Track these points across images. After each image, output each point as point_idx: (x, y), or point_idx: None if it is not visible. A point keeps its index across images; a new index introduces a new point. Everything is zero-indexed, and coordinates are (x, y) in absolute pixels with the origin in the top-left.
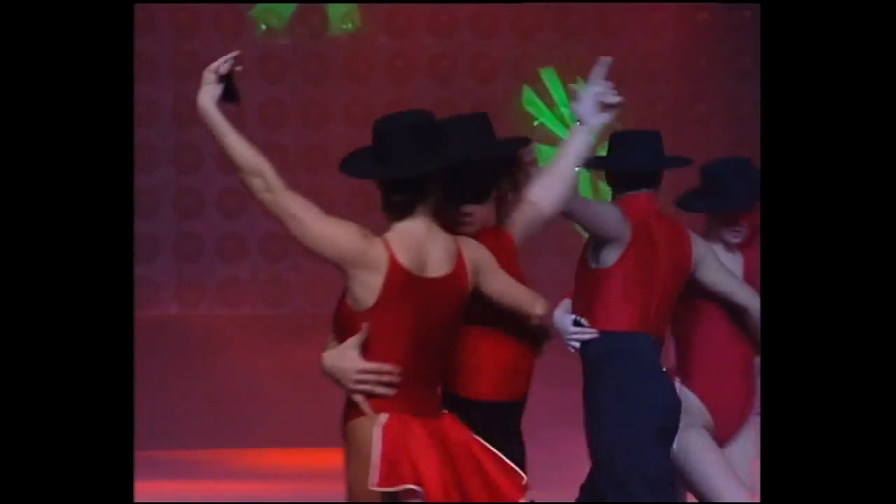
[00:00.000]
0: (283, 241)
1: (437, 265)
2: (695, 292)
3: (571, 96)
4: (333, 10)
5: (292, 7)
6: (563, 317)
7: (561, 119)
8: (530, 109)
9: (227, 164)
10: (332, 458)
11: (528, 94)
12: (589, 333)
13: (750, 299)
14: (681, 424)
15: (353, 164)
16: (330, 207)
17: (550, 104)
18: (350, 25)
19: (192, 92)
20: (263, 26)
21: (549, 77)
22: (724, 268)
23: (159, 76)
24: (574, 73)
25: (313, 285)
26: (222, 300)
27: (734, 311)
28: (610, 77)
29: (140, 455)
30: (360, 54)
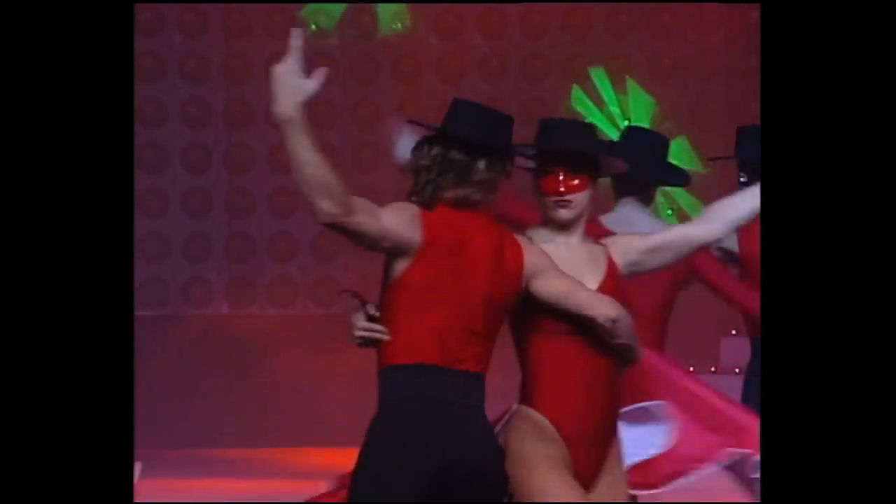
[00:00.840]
0: (334, 241)
1: None
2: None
3: None
4: (383, 10)
5: (342, 7)
6: None
7: (610, 118)
8: (580, 109)
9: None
10: None
11: (577, 93)
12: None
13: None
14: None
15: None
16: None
17: (600, 103)
18: (400, 25)
19: (243, 92)
20: (313, 26)
21: (598, 76)
22: None
23: (211, 77)
24: (624, 72)
25: (364, 285)
26: (273, 300)
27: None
28: (661, 76)
29: (192, 453)
30: (410, 54)
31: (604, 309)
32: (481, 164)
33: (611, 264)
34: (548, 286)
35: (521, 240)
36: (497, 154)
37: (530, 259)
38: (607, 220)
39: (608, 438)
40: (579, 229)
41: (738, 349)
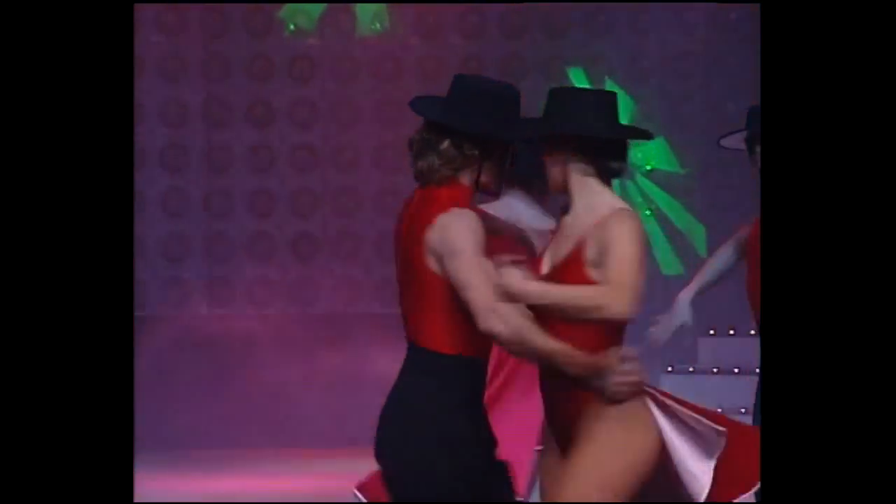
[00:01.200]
0: (313, 242)
1: None
2: None
3: None
4: (363, 10)
5: (321, 7)
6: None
7: None
8: None
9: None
10: (360, 457)
11: None
12: None
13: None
14: None
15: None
16: (358, 208)
17: None
18: (379, 26)
19: (223, 92)
20: (292, 27)
21: (577, 77)
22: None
23: (190, 77)
24: (603, 72)
25: (343, 286)
26: (252, 300)
27: None
28: (640, 76)
29: (168, 454)
30: (390, 55)
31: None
32: (445, 143)
33: (577, 248)
34: (444, 268)
35: (446, 216)
36: (463, 133)
37: (431, 237)
38: (489, 207)
39: (569, 437)
40: (574, 201)
41: (715, 349)
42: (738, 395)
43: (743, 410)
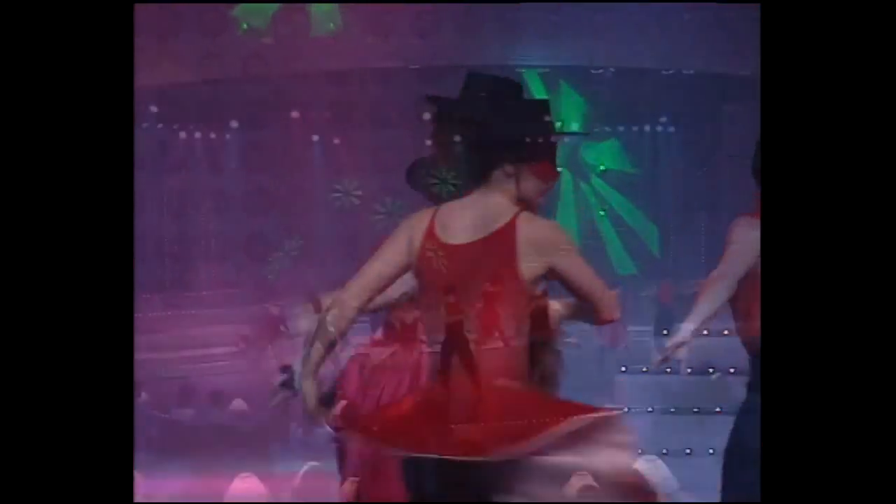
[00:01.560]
0: (268, 242)
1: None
2: None
3: None
4: (317, 10)
5: (275, 7)
6: None
7: None
8: None
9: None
10: (317, 457)
11: None
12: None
13: None
14: None
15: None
16: (312, 207)
17: None
18: (332, 25)
19: (175, 92)
20: (246, 26)
21: (531, 78)
22: None
23: (143, 77)
24: (557, 74)
25: (298, 286)
26: (206, 300)
27: None
28: (596, 76)
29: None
30: (344, 54)
31: None
32: None
33: None
34: None
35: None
36: None
37: None
38: None
39: None
40: None
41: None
42: (691, 396)
43: (696, 410)
